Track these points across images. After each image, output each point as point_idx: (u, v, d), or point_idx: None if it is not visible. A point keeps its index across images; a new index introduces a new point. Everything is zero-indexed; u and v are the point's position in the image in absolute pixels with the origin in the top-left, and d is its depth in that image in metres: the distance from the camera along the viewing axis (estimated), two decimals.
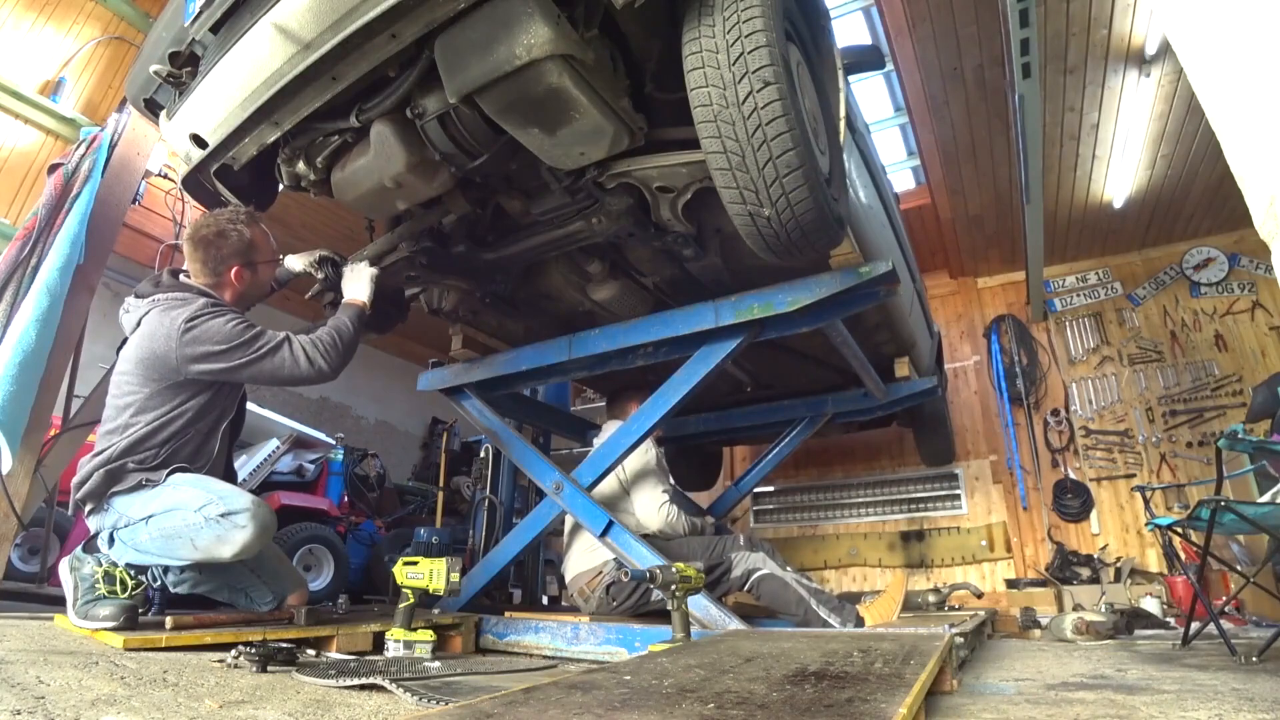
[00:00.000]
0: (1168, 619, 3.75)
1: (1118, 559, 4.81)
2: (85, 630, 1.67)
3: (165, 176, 3.83)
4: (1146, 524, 2.99)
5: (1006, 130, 4.30)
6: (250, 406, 2.27)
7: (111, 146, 2.84)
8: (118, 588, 1.77)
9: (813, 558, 5.69)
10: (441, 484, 4.99)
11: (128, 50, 4.12)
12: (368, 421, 7.05)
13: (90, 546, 1.89)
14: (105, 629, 1.65)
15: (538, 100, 1.51)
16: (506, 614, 2.51)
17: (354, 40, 1.49)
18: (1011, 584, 4.86)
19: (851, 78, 2.43)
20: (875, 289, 2.28)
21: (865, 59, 2.54)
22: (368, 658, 1.82)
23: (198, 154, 1.88)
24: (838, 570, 5.63)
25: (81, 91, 4.02)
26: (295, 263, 2.27)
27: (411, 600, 1.92)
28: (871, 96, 4.94)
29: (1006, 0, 3.14)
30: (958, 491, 5.53)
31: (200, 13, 1.71)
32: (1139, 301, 5.61)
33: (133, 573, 1.81)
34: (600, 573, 2.56)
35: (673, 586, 1.81)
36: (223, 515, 1.74)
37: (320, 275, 2.26)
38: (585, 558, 2.62)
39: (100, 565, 1.79)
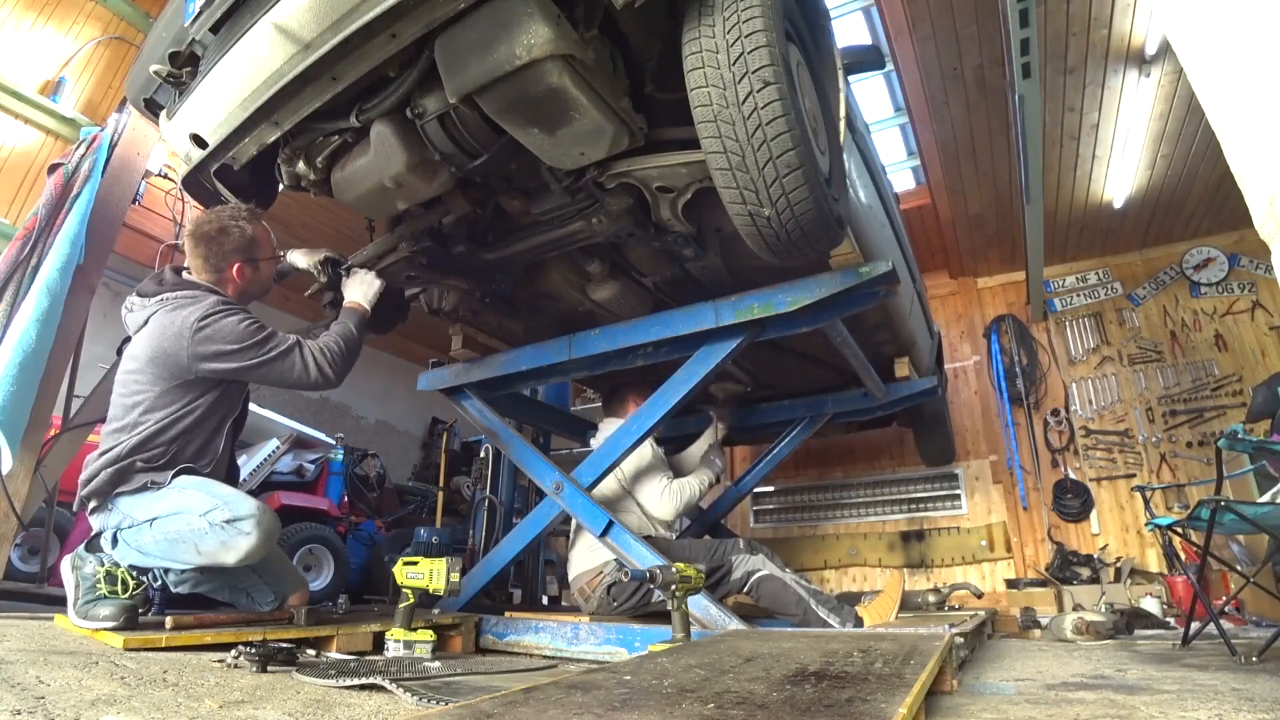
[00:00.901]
0: (1168, 619, 3.75)
1: (1118, 559, 4.81)
2: (85, 630, 1.67)
3: (165, 176, 3.84)
4: (1146, 524, 2.99)
5: (1006, 130, 4.30)
6: (250, 406, 2.28)
7: (111, 146, 2.84)
8: (119, 588, 1.77)
9: (812, 558, 5.69)
10: (441, 484, 4.99)
11: (128, 50, 4.12)
12: (368, 421, 7.05)
13: (93, 545, 1.89)
14: (105, 629, 1.65)
15: (538, 100, 1.51)
16: (506, 614, 2.51)
17: (354, 40, 1.49)
18: (1011, 584, 4.86)
19: (851, 78, 2.43)
20: (875, 289, 2.28)
21: (865, 59, 2.54)
22: (368, 658, 1.82)
23: (198, 154, 1.88)
24: (837, 570, 5.63)
25: (81, 91, 4.02)
26: (298, 259, 2.27)
27: (411, 600, 1.92)
28: (871, 96, 4.94)
29: (1006, 0, 3.14)
30: (958, 491, 5.52)
31: (200, 13, 1.71)
32: (1139, 301, 5.61)
33: (135, 574, 1.81)
34: (601, 573, 2.56)
35: (673, 586, 1.81)
36: (227, 521, 1.74)
37: (322, 276, 2.27)
38: (586, 558, 2.62)
39: (102, 565, 1.79)
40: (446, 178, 1.87)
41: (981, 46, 3.87)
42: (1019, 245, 5.21)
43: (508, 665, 1.93)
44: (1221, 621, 2.18)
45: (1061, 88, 4.04)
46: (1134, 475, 5.17)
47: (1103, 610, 3.29)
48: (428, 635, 1.90)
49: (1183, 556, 3.88)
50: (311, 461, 4.36)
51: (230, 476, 2.10)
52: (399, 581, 1.95)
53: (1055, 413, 5.56)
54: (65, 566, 1.83)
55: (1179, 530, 2.70)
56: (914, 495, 5.64)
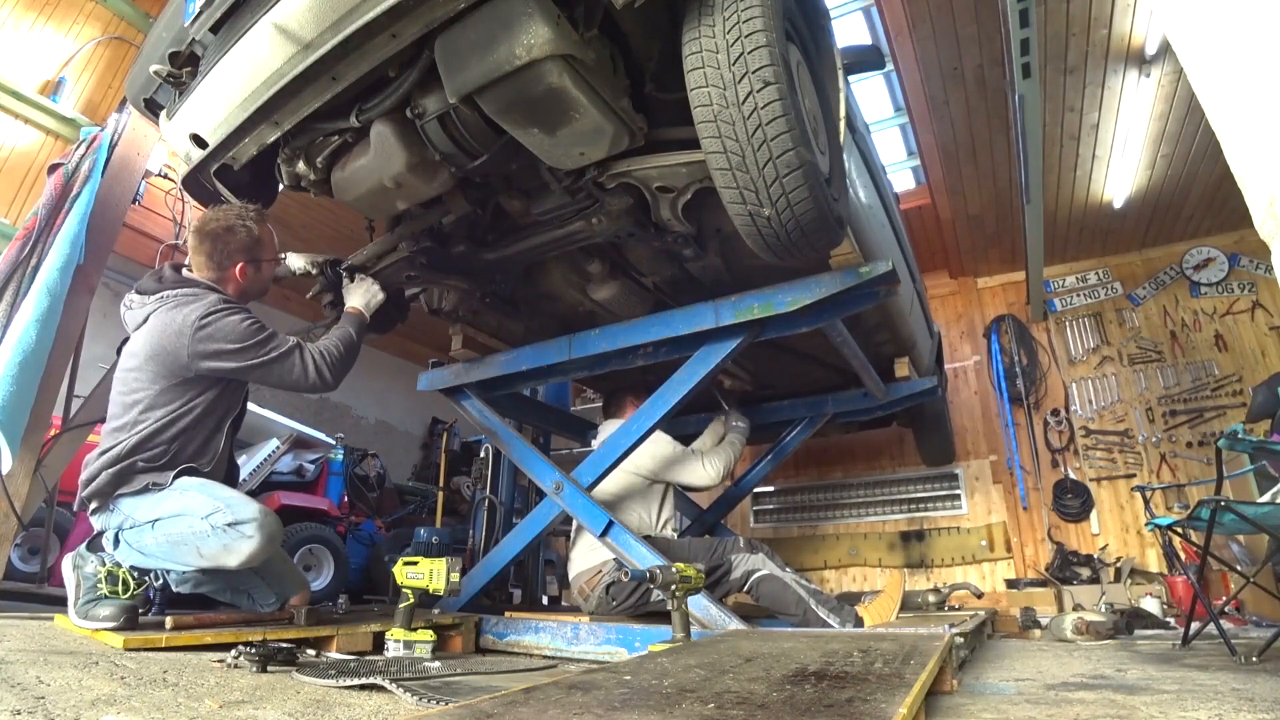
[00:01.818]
0: (1168, 619, 3.75)
1: (1118, 559, 4.81)
2: (85, 630, 1.67)
3: (165, 176, 3.84)
4: (1146, 524, 2.99)
5: (1006, 130, 4.30)
6: (250, 406, 2.28)
7: (111, 146, 2.84)
8: (119, 588, 1.77)
9: (813, 558, 5.69)
10: (441, 484, 4.99)
11: (128, 50, 4.12)
12: (368, 422, 7.05)
13: (94, 545, 1.89)
14: (105, 629, 1.65)
15: (538, 100, 1.51)
16: (506, 614, 2.51)
17: (354, 40, 1.49)
18: (1011, 584, 4.86)
19: (851, 78, 2.43)
20: (875, 289, 2.28)
21: (865, 59, 2.54)
22: (368, 658, 1.83)
23: (198, 154, 1.87)
24: (837, 570, 5.63)
25: (81, 91, 4.02)
26: (297, 262, 2.27)
27: (411, 600, 1.92)
28: (871, 96, 4.93)
29: (1006, 0, 3.14)
30: (958, 491, 5.52)
31: (200, 13, 1.71)
32: (1139, 301, 5.61)
33: (136, 574, 1.81)
34: (600, 572, 2.56)
35: (672, 586, 1.81)
36: (230, 524, 1.73)
37: (321, 277, 2.27)
38: (586, 557, 2.62)
39: (103, 565, 1.79)
40: (446, 178, 1.87)
41: (981, 46, 3.87)
42: (1019, 245, 5.21)
43: (508, 665, 1.93)
44: (1221, 621, 2.18)
45: (1061, 88, 4.04)
46: (1134, 475, 5.17)
47: (1103, 610, 3.29)
48: (428, 635, 1.90)
49: (1183, 556, 3.88)
50: (311, 461, 4.36)
51: (230, 476, 2.10)
52: (399, 581, 1.95)
53: (1055, 413, 5.56)
54: (66, 566, 1.83)
55: (1179, 530, 2.70)
56: (914, 495, 5.64)
